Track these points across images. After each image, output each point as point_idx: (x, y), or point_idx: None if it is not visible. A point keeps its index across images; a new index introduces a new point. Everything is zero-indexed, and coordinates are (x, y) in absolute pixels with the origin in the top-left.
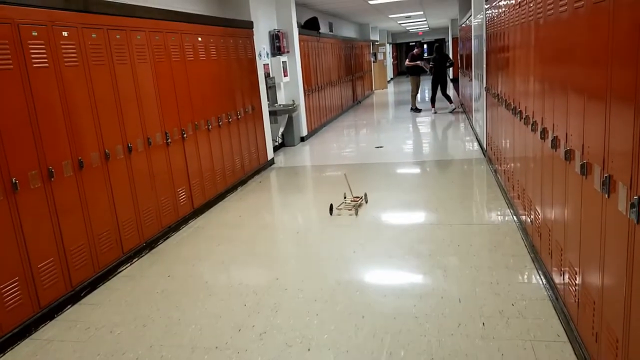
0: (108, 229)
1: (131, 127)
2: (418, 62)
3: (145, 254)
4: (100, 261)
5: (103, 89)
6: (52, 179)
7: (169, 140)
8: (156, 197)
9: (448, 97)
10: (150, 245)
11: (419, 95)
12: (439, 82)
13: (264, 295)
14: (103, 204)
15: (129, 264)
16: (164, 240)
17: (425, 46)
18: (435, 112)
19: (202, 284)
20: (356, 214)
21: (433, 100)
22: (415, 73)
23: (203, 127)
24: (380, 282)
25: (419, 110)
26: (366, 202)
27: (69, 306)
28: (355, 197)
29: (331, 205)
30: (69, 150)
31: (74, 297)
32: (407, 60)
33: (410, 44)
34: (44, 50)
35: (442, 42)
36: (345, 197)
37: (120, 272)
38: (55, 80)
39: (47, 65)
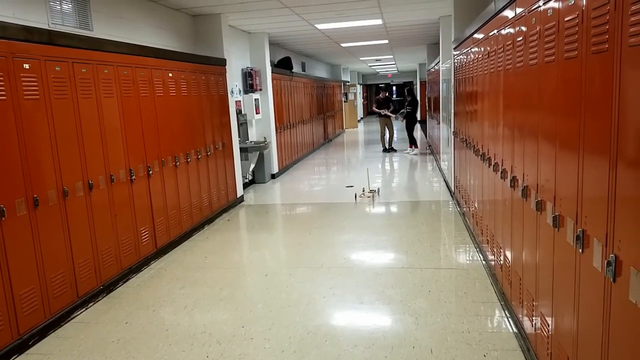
0: (62, 271)
1: (93, 163)
2: (381, 111)
3: (102, 297)
4: (52, 306)
5: (65, 124)
6: (3, 218)
7: (134, 177)
8: (117, 237)
9: (414, 140)
10: (109, 288)
11: (394, 135)
12: (413, 123)
13: (229, 345)
14: (58, 245)
15: (83, 309)
16: (124, 282)
17: (394, 88)
18: (416, 155)
19: (162, 331)
20: (373, 200)
21: (412, 139)
22: (384, 114)
23: (170, 164)
24: (351, 330)
25: (395, 150)
26: (379, 194)
27: (14, 357)
28: (371, 190)
29: (355, 194)
30: (23, 187)
31: (21, 347)
32: (374, 105)
33: (380, 85)
34: (1, 83)
35: (411, 86)
36: (363, 190)
37: (74, 317)
38: (12, 113)
39: (4, 97)
